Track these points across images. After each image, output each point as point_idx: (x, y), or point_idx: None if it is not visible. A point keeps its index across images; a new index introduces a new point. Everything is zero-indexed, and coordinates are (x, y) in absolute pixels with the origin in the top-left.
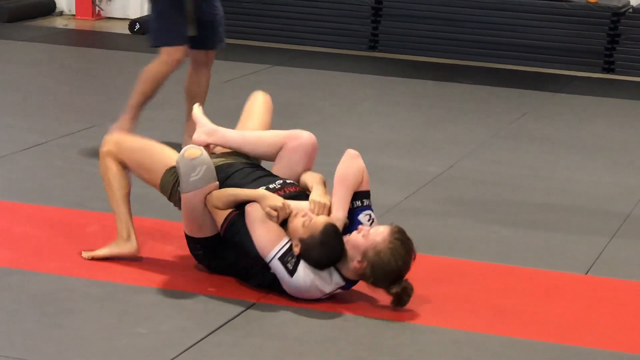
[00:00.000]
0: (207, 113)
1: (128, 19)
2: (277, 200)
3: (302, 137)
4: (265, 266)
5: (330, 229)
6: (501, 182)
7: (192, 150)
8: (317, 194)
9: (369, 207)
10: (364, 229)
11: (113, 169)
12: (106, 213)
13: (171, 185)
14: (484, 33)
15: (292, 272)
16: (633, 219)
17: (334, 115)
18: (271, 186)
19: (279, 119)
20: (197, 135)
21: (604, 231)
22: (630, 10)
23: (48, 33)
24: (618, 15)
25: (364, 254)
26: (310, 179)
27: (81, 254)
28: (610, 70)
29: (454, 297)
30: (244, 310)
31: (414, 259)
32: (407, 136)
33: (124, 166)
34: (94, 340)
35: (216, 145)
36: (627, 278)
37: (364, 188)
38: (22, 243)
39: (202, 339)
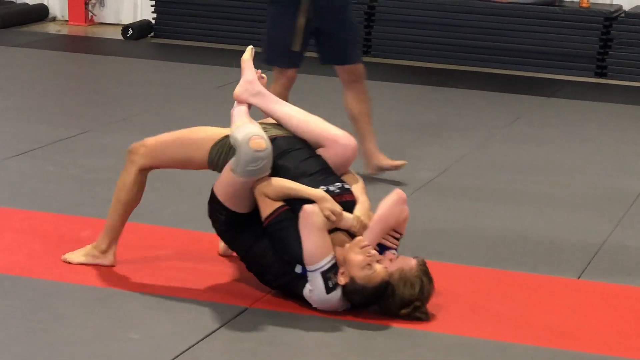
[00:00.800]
0: (202, 117)
1: (121, 25)
2: (336, 205)
3: (346, 143)
4: (289, 264)
5: (383, 288)
6: (494, 187)
7: (259, 142)
8: (363, 211)
9: (395, 249)
10: (390, 255)
11: (131, 186)
12: (100, 219)
13: (219, 159)
14: (477, 38)
15: (330, 290)
16: (625, 223)
17: (326, 119)
18: (331, 188)
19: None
20: (240, 91)
21: (597, 235)
22: (623, 14)
23: (41, 39)
24: (610, 20)
25: (390, 276)
26: (355, 189)
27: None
28: (602, 75)
29: (446, 302)
30: (237, 316)
31: (432, 289)
32: (400, 140)
33: (164, 167)
34: (86, 346)
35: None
36: (620, 282)
37: (399, 229)
38: (15, 248)
39: (195, 344)
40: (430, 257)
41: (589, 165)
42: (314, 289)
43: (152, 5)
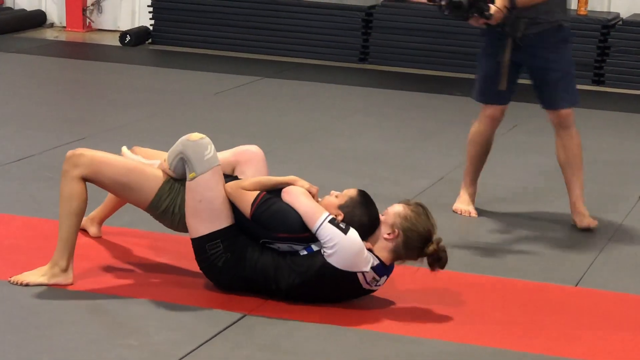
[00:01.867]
0: (199, 123)
1: (119, 31)
2: (309, 183)
3: (250, 148)
4: (293, 254)
5: (363, 191)
6: (491, 195)
7: (194, 134)
8: (306, 183)
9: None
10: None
11: (79, 194)
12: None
13: (169, 197)
14: (474, 45)
15: (346, 231)
16: (622, 230)
17: (324, 127)
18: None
19: (269, 131)
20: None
21: (594, 243)
22: (620, 22)
23: (39, 45)
24: (608, 27)
25: (393, 225)
26: (275, 178)
27: (9, 279)
28: (600, 83)
29: (445, 309)
30: (235, 322)
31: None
32: (398, 148)
33: (99, 186)
34: (84, 352)
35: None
36: (617, 290)
37: None
38: (13, 254)
39: (193, 350)
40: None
41: (586, 172)
42: (334, 241)
43: (149, 12)
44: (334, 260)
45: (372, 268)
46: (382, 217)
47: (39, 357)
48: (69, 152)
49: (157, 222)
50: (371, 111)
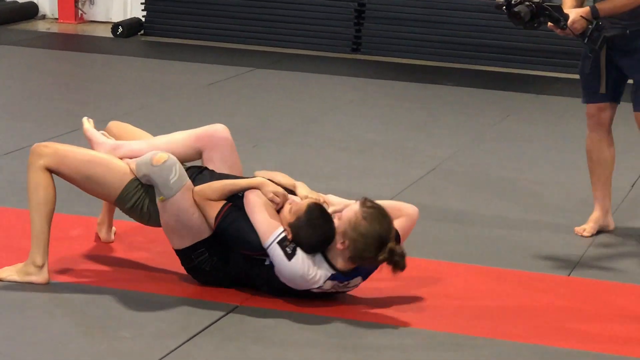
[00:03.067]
0: (192, 115)
1: (111, 22)
2: (278, 187)
3: (216, 131)
4: (258, 260)
5: (313, 207)
6: (484, 184)
7: (158, 156)
8: (304, 190)
9: None
10: (338, 213)
11: (45, 183)
12: (90, 217)
13: (135, 194)
14: (467, 35)
15: (290, 256)
16: (615, 219)
17: (316, 117)
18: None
19: (262, 121)
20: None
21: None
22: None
23: (31, 37)
24: None
25: (344, 234)
26: (282, 178)
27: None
28: None
29: (436, 299)
30: (227, 314)
31: (391, 221)
32: (390, 138)
33: (65, 179)
34: (77, 345)
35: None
36: (610, 279)
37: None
38: (5, 247)
39: (185, 342)
40: (420, 255)
41: (579, 161)
42: (277, 263)
43: (142, 3)
44: (283, 279)
45: (329, 279)
46: (336, 222)
47: (31, 349)
48: (34, 145)
49: None
50: (364, 101)
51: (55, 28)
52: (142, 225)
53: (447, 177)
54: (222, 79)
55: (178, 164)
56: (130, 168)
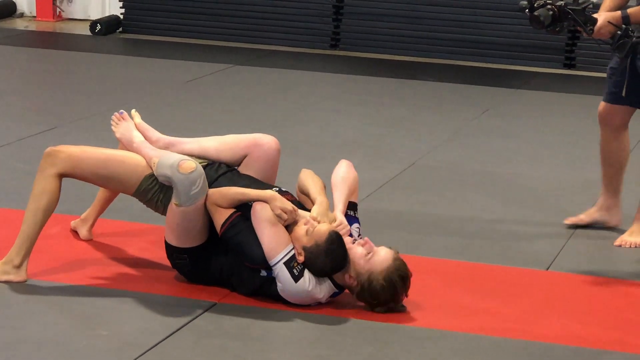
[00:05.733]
0: (171, 112)
1: (89, 20)
2: (287, 203)
3: (266, 143)
4: (254, 270)
5: (334, 237)
6: (463, 179)
7: (188, 164)
8: (320, 210)
9: (357, 220)
10: (368, 245)
11: (52, 192)
12: (68, 215)
13: (151, 190)
14: (445, 30)
15: (297, 278)
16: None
17: (295, 114)
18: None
19: (241, 118)
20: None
21: (565, 226)
22: (591, 6)
23: (8, 35)
24: None
25: (359, 274)
26: (312, 187)
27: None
28: (571, 66)
29: (416, 295)
30: (205, 311)
31: (406, 295)
32: (369, 134)
33: (80, 179)
34: (55, 343)
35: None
36: (588, 273)
37: (353, 199)
38: None
39: (164, 339)
40: (399, 250)
41: (558, 156)
42: (282, 283)
43: (120, 1)
44: (283, 296)
45: (331, 296)
46: (360, 252)
47: (9, 348)
48: (48, 149)
49: (124, 212)
50: (342, 97)
51: (33, 26)
52: (121, 223)
53: (425, 172)
54: (200, 76)
55: (203, 177)
56: (146, 161)
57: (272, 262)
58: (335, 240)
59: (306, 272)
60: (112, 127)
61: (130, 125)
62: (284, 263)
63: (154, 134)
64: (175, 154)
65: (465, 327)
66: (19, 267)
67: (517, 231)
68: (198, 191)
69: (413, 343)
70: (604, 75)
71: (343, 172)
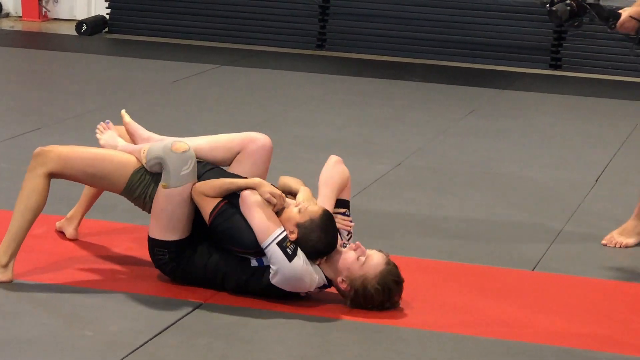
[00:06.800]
0: (157, 112)
1: (75, 20)
2: (274, 188)
3: (259, 140)
4: (243, 260)
5: (328, 214)
6: (449, 179)
7: (179, 144)
8: (305, 196)
9: (348, 217)
10: (360, 249)
11: (41, 191)
12: (53, 215)
13: (140, 185)
14: (431, 31)
15: (291, 257)
16: (580, 214)
17: (281, 114)
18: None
19: (227, 119)
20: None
21: (551, 227)
22: None
23: None
24: None
25: (352, 279)
26: (294, 183)
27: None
28: (557, 67)
29: (403, 295)
30: (192, 311)
31: (399, 301)
32: (355, 134)
33: (69, 179)
34: (41, 343)
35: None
36: (574, 274)
37: (345, 196)
38: None
39: (150, 339)
40: (386, 250)
41: (544, 156)
42: (276, 264)
43: (106, 1)
44: (276, 282)
45: (320, 287)
46: (352, 255)
47: None
48: (37, 149)
49: (110, 211)
50: (328, 98)
51: (19, 26)
52: (107, 223)
53: (412, 172)
54: (186, 76)
55: (194, 160)
56: (135, 156)
57: (264, 244)
58: (330, 217)
59: (300, 253)
60: (97, 136)
61: (114, 134)
62: (277, 243)
63: (145, 132)
64: (168, 138)
65: (452, 327)
66: (5, 266)
67: (503, 231)
68: (188, 172)
69: (400, 343)
70: (590, 75)
71: (330, 168)
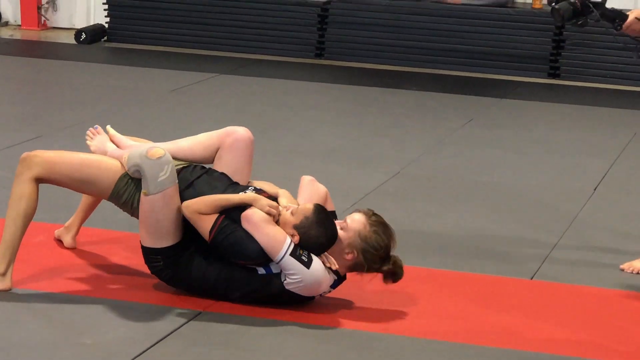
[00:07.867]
0: (155, 121)
1: (74, 29)
2: (269, 200)
3: (238, 132)
4: (250, 270)
5: (320, 207)
6: (447, 188)
7: (154, 150)
8: (286, 200)
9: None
10: (340, 222)
11: (30, 196)
12: (52, 224)
13: (126, 191)
14: (430, 40)
15: (308, 264)
16: (577, 223)
17: (280, 123)
18: (247, 192)
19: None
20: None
21: (549, 236)
22: None
23: None
24: None
25: (351, 245)
26: (268, 187)
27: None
28: (555, 76)
29: (400, 303)
30: (190, 320)
31: (393, 232)
32: (354, 143)
33: (56, 184)
34: (39, 352)
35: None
36: (572, 282)
37: (329, 209)
38: None
39: (148, 348)
40: None
41: (542, 165)
42: (296, 273)
43: (105, 9)
44: (296, 290)
45: (331, 285)
46: (341, 232)
47: None
48: (24, 154)
49: (108, 220)
50: (327, 106)
51: (18, 35)
52: (105, 232)
53: (410, 181)
54: (185, 85)
55: (171, 164)
56: (121, 163)
57: (277, 258)
58: (322, 210)
59: (314, 257)
60: (87, 142)
61: (104, 138)
62: (290, 254)
63: (127, 141)
64: (145, 144)
65: (449, 335)
66: (3, 274)
67: (501, 240)
68: (165, 178)
69: (397, 351)
70: (589, 84)
71: (308, 189)
